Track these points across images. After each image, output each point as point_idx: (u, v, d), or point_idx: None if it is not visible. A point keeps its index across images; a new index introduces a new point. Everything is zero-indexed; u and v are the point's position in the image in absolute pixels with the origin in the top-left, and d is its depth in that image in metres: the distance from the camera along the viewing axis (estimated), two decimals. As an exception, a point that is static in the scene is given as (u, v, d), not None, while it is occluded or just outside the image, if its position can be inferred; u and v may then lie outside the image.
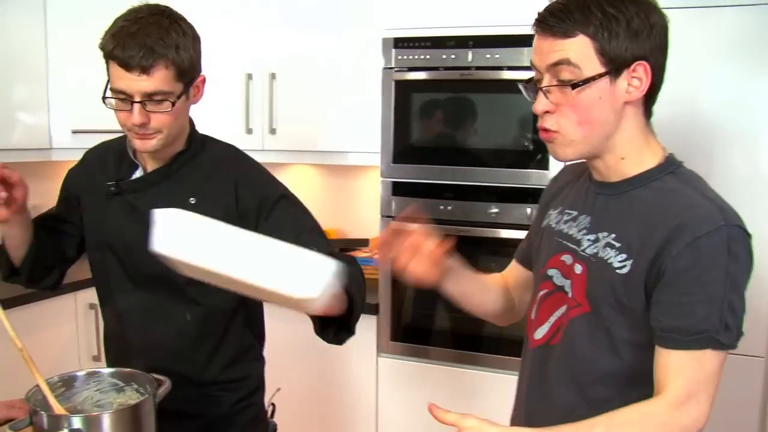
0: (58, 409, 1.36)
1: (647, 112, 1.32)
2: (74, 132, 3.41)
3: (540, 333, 1.42)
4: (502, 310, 1.64)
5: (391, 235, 1.43)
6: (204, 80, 1.65)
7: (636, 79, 1.25)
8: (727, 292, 1.19)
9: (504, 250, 2.58)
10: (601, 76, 1.24)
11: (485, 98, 2.72)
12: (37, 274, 1.79)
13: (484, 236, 2.68)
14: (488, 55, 2.66)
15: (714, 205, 1.23)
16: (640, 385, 1.27)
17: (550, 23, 1.25)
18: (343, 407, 2.99)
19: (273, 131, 3.27)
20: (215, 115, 3.18)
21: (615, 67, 1.24)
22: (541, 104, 1.29)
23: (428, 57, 2.74)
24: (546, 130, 1.31)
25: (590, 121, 1.27)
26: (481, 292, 1.61)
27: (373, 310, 2.91)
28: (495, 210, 2.61)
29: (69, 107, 3.45)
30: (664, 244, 1.21)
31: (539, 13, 1.28)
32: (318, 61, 3.18)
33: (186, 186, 1.67)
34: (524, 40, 2.53)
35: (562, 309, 1.37)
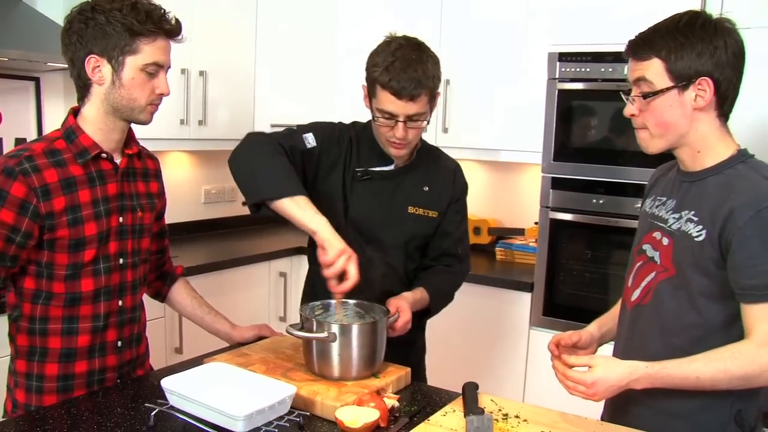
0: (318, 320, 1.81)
1: (722, 116, 1.60)
2: (272, 126, 3.85)
3: (634, 295, 1.72)
4: None
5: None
6: (439, 95, 2.02)
7: (701, 90, 1.55)
8: None
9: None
10: (669, 89, 1.56)
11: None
12: None
13: (632, 227, 2.98)
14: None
15: None
16: (712, 336, 1.55)
17: (632, 49, 1.61)
18: (494, 370, 3.39)
19: (446, 130, 3.72)
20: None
21: (681, 82, 1.55)
22: (627, 109, 1.64)
23: (588, 70, 3.10)
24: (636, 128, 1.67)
25: (664, 123, 1.59)
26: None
27: (528, 288, 3.30)
28: (639, 205, 2.93)
29: (269, 104, 3.98)
30: (729, 216, 1.49)
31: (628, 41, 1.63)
32: (491, 70, 3.59)
33: (420, 178, 2.13)
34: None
35: (652, 275, 1.67)
